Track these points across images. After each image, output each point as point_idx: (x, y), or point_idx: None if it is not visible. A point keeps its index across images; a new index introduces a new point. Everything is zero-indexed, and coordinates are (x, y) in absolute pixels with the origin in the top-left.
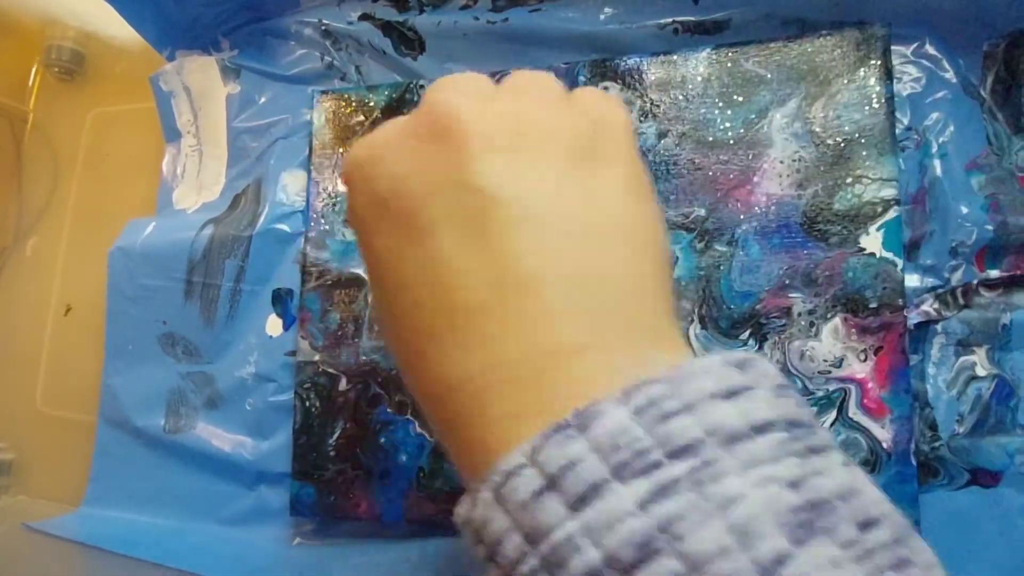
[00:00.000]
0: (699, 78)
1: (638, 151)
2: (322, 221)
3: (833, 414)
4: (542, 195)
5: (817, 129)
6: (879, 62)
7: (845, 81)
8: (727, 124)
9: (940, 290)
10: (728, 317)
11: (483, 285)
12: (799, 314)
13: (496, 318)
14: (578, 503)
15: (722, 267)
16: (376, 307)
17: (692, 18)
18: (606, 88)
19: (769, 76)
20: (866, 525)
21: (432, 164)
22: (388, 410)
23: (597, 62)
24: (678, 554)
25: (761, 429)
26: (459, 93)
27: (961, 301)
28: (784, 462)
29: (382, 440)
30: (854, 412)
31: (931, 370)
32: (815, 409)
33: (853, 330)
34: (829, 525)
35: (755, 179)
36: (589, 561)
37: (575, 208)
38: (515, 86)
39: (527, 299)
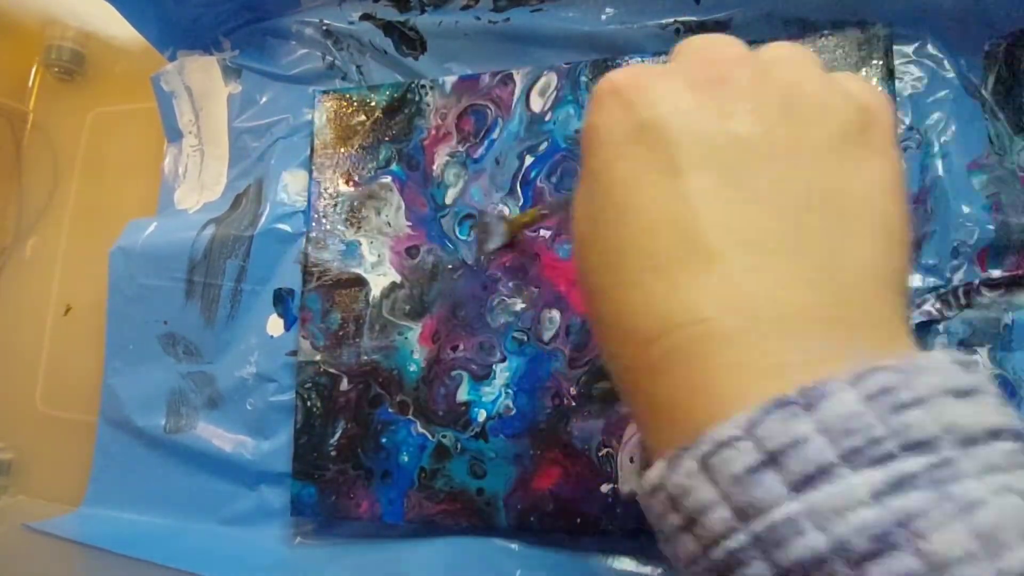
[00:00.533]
0: None
1: (899, 151)
2: (323, 221)
3: None
4: (807, 164)
5: None
6: (881, 62)
7: None
8: None
9: (942, 290)
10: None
11: (728, 234)
12: None
13: (734, 270)
14: (802, 484)
15: None
16: (584, 229)
17: (693, 18)
18: None
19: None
20: None
21: (703, 109)
22: (389, 410)
23: (598, 62)
24: (918, 552)
25: (995, 435)
26: (730, 47)
27: (963, 301)
28: (1018, 473)
29: (383, 440)
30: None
31: None
32: None
33: None
34: None
35: None
36: (814, 546)
37: (838, 186)
38: (781, 57)
39: (770, 260)
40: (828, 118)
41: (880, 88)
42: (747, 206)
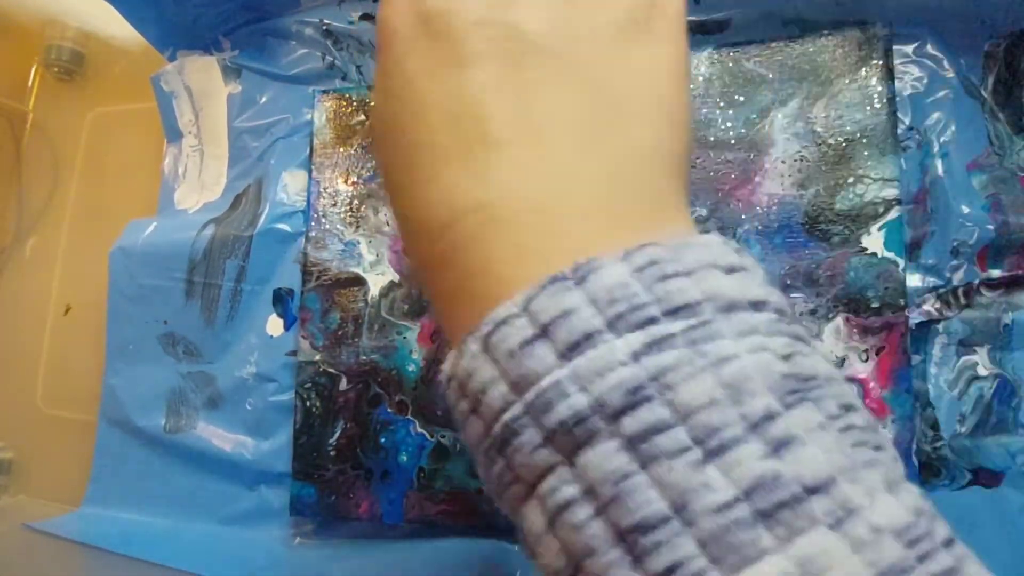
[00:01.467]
0: (700, 78)
1: (686, 36)
2: (323, 221)
3: None
4: (588, 52)
5: (819, 129)
6: (881, 62)
7: (847, 81)
8: (728, 124)
9: (942, 290)
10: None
11: (511, 123)
12: (801, 314)
13: (517, 157)
14: (568, 351)
15: None
16: (381, 128)
17: (693, 17)
18: None
19: (771, 76)
20: (847, 407)
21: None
22: (388, 410)
23: None
24: (667, 402)
25: (756, 306)
26: None
27: (963, 301)
28: (776, 338)
29: (382, 440)
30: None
31: (933, 370)
32: None
33: (855, 330)
34: (816, 397)
35: (757, 179)
36: (575, 405)
37: (618, 73)
38: None
39: (552, 147)
40: (612, 5)
41: None
42: (531, 96)
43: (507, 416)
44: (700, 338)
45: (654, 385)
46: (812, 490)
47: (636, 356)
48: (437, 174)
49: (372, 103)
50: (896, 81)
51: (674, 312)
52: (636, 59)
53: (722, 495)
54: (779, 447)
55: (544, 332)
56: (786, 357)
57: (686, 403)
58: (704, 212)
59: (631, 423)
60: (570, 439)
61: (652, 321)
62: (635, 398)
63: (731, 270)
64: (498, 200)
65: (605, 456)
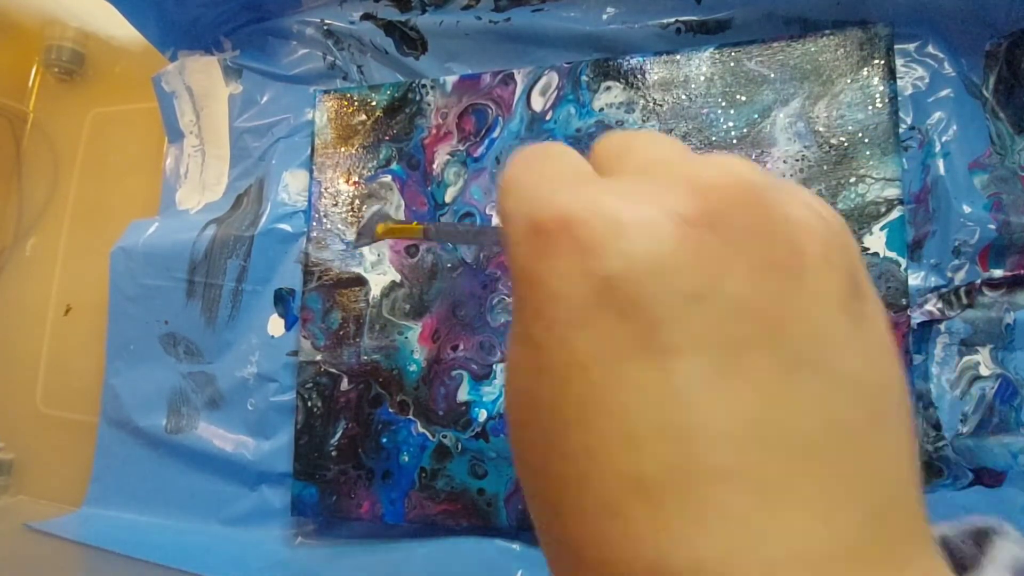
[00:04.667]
0: (702, 77)
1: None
2: (324, 221)
3: None
4: (825, 338)
5: (820, 128)
6: (882, 61)
7: (848, 81)
8: (730, 123)
9: (943, 289)
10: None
11: (740, 443)
12: None
13: (754, 494)
14: None
15: None
16: (529, 423)
17: (694, 17)
18: (608, 88)
19: (772, 76)
20: None
21: (694, 260)
22: (390, 410)
23: (599, 62)
24: None
25: None
26: (723, 166)
27: (964, 300)
28: None
29: (384, 440)
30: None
31: (935, 370)
32: None
33: None
34: None
35: None
36: None
37: (857, 362)
38: (780, 187)
39: (800, 475)
40: (829, 272)
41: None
42: (752, 399)
43: None
44: None
45: None
46: None
47: None
48: (623, 508)
49: (507, 366)
50: (898, 81)
51: None
52: (860, 339)
53: None
54: None
55: None
56: None
57: None
58: None
59: None
60: None
61: None
62: None
63: None
64: (734, 554)
65: None
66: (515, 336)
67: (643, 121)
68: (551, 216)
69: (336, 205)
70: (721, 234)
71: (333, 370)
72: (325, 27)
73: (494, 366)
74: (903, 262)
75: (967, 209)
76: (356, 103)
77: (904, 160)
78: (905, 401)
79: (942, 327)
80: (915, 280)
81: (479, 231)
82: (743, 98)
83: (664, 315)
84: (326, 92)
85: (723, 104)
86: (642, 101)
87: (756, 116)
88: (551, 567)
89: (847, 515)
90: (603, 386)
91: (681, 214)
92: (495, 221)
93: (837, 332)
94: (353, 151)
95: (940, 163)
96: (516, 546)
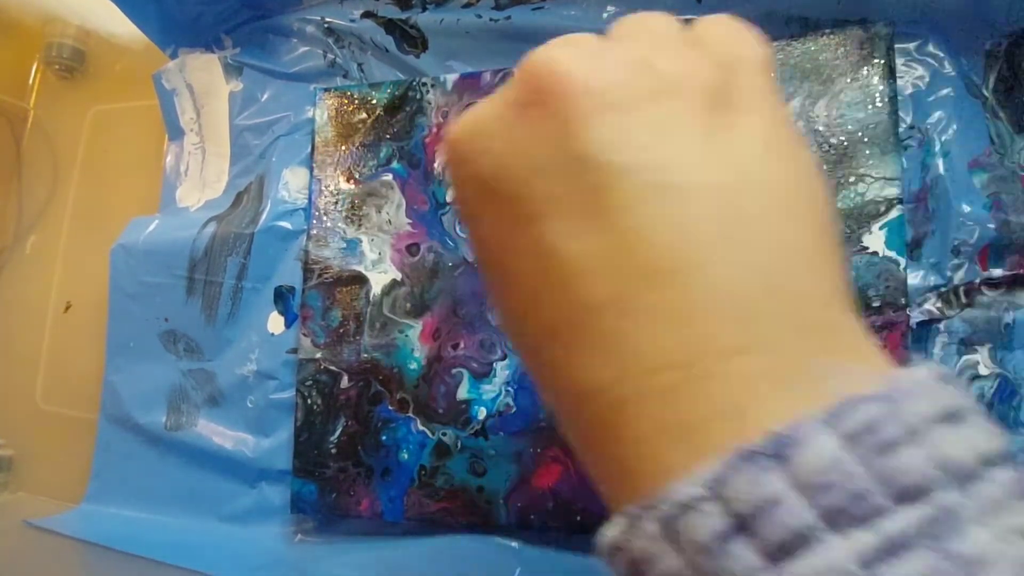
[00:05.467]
0: None
1: (776, 88)
2: (324, 218)
3: None
4: (669, 159)
5: (820, 128)
6: (882, 61)
7: (848, 80)
8: None
9: (943, 289)
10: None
11: (609, 276)
12: None
13: (627, 316)
14: (778, 554)
15: None
16: (492, 300)
17: (695, 16)
18: None
19: (772, 75)
20: None
21: (535, 135)
22: (389, 408)
23: None
24: None
25: (990, 463)
26: (559, 46)
27: (964, 300)
28: (1018, 507)
29: (383, 438)
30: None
31: None
32: None
33: None
34: None
35: None
36: None
37: (712, 173)
38: (626, 32)
39: (661, 289)
40: (683, 90)
41: (746, 27)
42: (618, 236)
43: None
44: (943, 533)
45: None
46: None
47: (868, 564)
48: (547, 351)
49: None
50: (897, 80)
51: (906, 497)
52: (728, 147)
53: None
54: None
55: (743, 525)
56: None
57: None
58: None
59: None
60: None
61: (881, 513)
62: None
63: (954, 417)
64: (625, 375)
65: None
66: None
67: None
68: (446, 146)
69: (336, 203)
70: (538, 108)
71: (333, 368)
72: (326, 25)
73: (494, 364)
74: (902, 261)
75: (967, 208)
76: (356, 101)
77: (904, 159)
78: (800, 195)
79: (941, 326)
80: (914, 279)
81: None
82: None
83: (519, 192)
84: (326, 90)
85: None
86: None
87: None
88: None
89: (711, 319)
90: (507, 260)
91: (504, 101)
92: None
93: (687, 151)
94: (353, 149)
95: (940, 162)
96: (515, 544)
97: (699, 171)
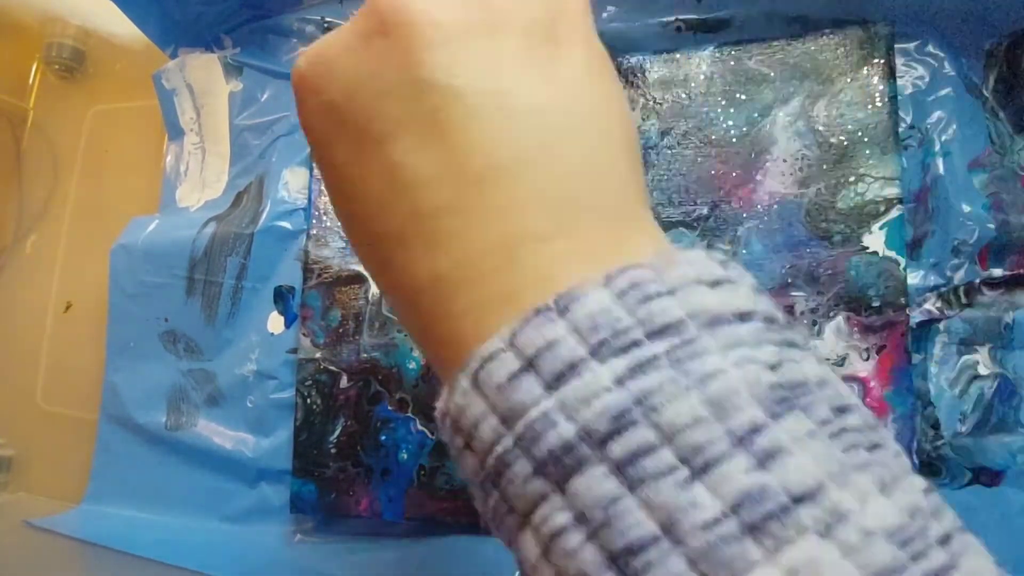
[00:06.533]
0: (702, 76)
1: (595, 31)
2: (324, 218)
3: None
4: (498, 83)
5: (820, 127)
6: (882, 60)
7: (848, 79)
8: (730, 122)
9: (943, 289)
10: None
11: (446, 185)
12: (802, 313)
13: (460, 215)
14: (554, 382)
15: None
16: (339, 217)
17: (695, 16)
18: None
19: (772, 74)
20: (841, 410)
21: (381, 62)
22: (389, 408)
23: None
24: (652, 424)
25: (742, 317)
26: None
27: (964, 300)
28: (764, 348)
29: (383, 438)
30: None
31: (934, 369)
32: None
33: (856, 329)
34: (805, 404)
35: (758, 177)
36: (563, 434)
37: (535, 94)
38: None
39: (489, 192)
40: (511, 23)
41: None
42: (453, 150)
43: (499, 449)
44: (684, 357)
45: (639, 409)
46: (799, 499)
47: (620, 381)
48: (392, 255)
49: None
50: (897, 80)
51: (658, 333)
52: (548, 72)
53: (710, 512)
54: (765, 459)
55: (530, 365)
56: (774, 367)
57: (671, 423)
58: (705, 211)
59: (618, 448)
60: (560, 468)
61: (636, 344)
62: (621, 423)
63: (716, 283)
64: (455, 264)
65: (594, 482)
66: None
67: (643, 120)
68: (295, 77)
69: None
70: (382, 38)
71: (332, 367)
72: (326, 25)
73: None
74: (902, 261)
75: (966, 208)
76: None
77: (904, 159)
78: (609, 119)
79: (941, 326)
80: (914, 279)
81: None
82: (743, 97)
83: (366, 115)
84: None
85: (723, 103)
86: (642, 100)
87: (756, 115)
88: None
89: (528, 213)
90: (356, 179)
91: (355, 32)
92: None
93: (515, 76)
94: None
95: (940, 162)
96: None
97: (522, 93)
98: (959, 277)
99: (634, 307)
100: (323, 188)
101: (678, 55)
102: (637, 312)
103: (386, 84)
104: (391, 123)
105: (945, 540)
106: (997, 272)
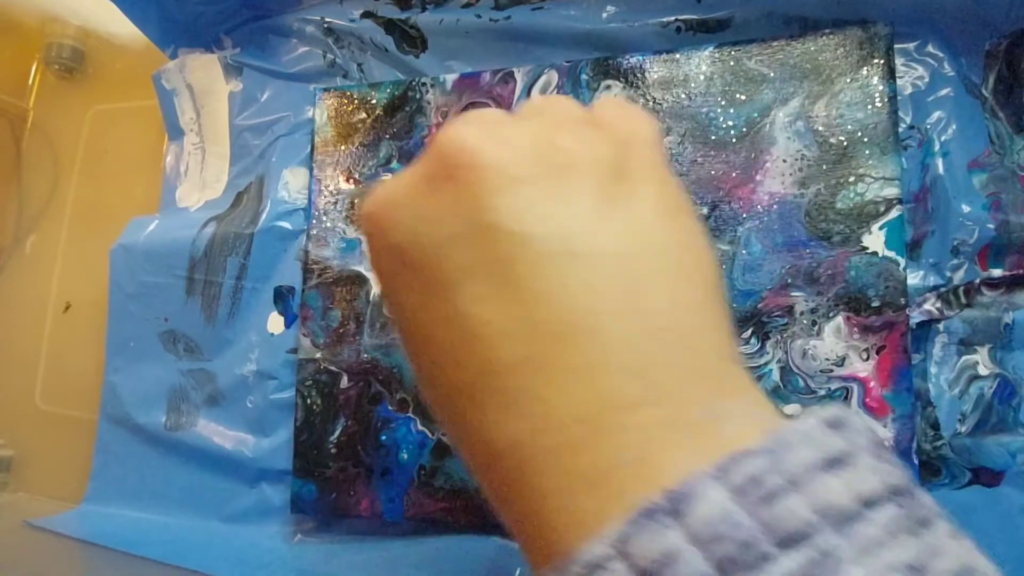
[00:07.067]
0: (702, 76)
1: (670, 166)
2: (324, 218)
3: None
4: (571, 228)
5: (820, 128)
6: (882, 61)
7: (848, 80)
8: (729, 123)
9: (942, 289)
10: (730, 316)
11: (519, 338)
12: (801, 313)
13: (537, 374)
14: None
15: (724, 266)
16: (410, 362)
17: (694, 16)
18: (608, 87)
19: (772, 75)
20: None
21: (447, 207)
22: (389, 408)
23: (599, 60)
24: None
25: (871, 504)
26: (468, 123)
27: (963, 300)
28: (900, 542)
29: (383, 438)
30: (856, 411)
31: (933, 369)
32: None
33: (855, 329)
34: None
35: (757, 178)
36: None
37: (611, 240)
38: (529, 111)
39: (567, 348)
40: (582, 164)
41: (637, 108)
42: (525, 301)
43: None
44: (822, 574)
45: None
46: None
47: None
48: (464, 412)
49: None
50: (897, 80)
51: (788, 542)
52: (623, 216)
53: None
54: None
55: None
56: (916, 569)
57: None
58: (704, 211)
59: None
60: None
61: (766, 558)
62: None
63: (836, 463)
64: (536, 431)
65: None
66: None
67: None
68: (362, 218)
69: (336, 203)
70: (449, 181)
71: (333, 368)
72: (325, 25)
73: None
74: (902, 261)
75: (966, 208)
76: (356, 101)
77: (903, 159)
78: (690, 258)
79: (941, 327)
80: (914, 279)
81: None
82: (743, 97)
83: (432, 262)
84: (326, 90)
85: (723, 103)
86: (642, 100)
87: (756, 115)
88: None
89: (614, 374)
90: (424, 326)
91: (420, 176)
92: None
93: (586, 220)
94: (353, 149)
95: (939, 162)
96: (515, 544)
97: (597, 238)
98: (959, 277)
99: (756, 508)
100: (323, 188)
101: (678, 55)
102: (761, 514)
103: (453, 229)
104: (459, 270)
105: None
106: (996, 272)
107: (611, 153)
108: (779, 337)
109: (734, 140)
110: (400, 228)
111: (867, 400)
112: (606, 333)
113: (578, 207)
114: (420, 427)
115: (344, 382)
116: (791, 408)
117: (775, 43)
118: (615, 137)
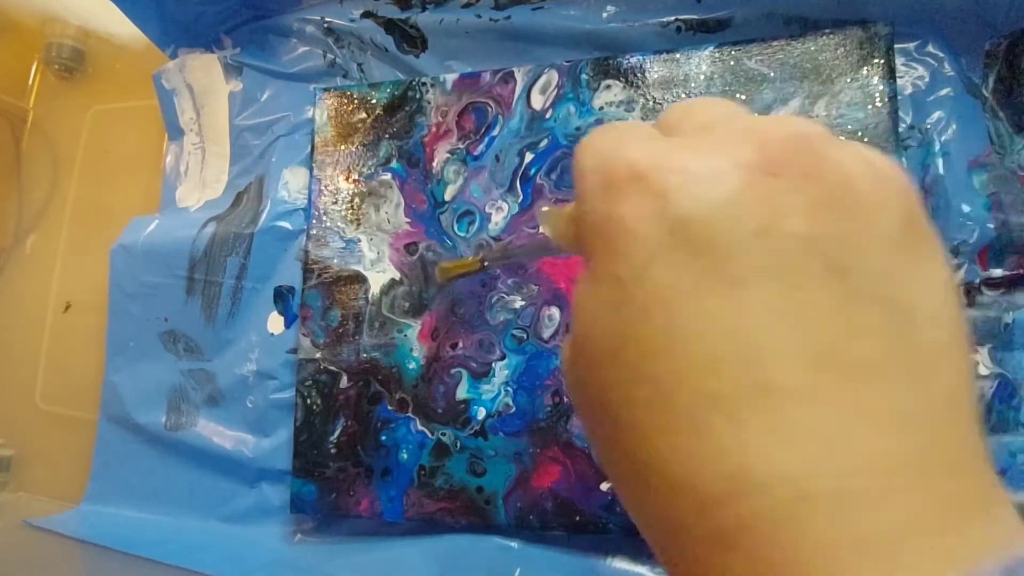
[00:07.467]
0: (702, 76)
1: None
2: (324, 218)
3: None
4: (882, 272)
5: None
6: (882, 61)
7: (848, 80)
8: None
9: None
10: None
11: (802, 361)
12: None
13: (819, 408)
14: None
15: None
16: (606, 356)
17: (694, 16)
18: (608, 87)
19: (772, 75)
20: None
21: (757, 202)
22: (389, 408)
23: (599, 60)
24: None
25: None
26: (780, 124)
27: (963, 300)
28: None
29: (383, 438)
30: None
31: None
32: None
33: None
34: None
35: None
36: None
37: (908, 296)
38: (828, 139)
39: (857, 392)
40: (882, 212)
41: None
42: (817, 324)
43: None
44: None
45: None
46: None
47: None
48: (711, 426)
49: (575, 309)
50: (897, 80)
51: None
52: (915, 276)
53: None
54: None
55: None
56: None
57: None
58: None
59: None
60: None
61: None
62: None
63: None
64: (803, 474)
65: None
66: (592, 278)
67: (642, 120)
68: (625, 167)
69: (336, 203)
70: (781, 179)
71: (332, 368)
72: (325, 25)
73: (493, 364)
74: None
75: (966, 208)
76: (356, 101)
77: (904, 159)
78: (960, 334)
79: None
80: None
81: (529, 245)
82: (743, 97)
83: (732, 250)
84: (326, 90)
85: None
86: (642, 100)
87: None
88: (632, 506)
89: (909, 430)
90: (683, 316)
91: (745, 162)
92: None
93: (893, 266)
94: (353, 149)
95: (939, 162)
96: (514, 544)
97: (896, 289)
98: (959, 277)
99: None
100: (323, 188)
101: (678, 55)
102: None
103: (765, 226)
104: (753, 267)
105: None
106: (997, 272)
107: (908, 206)
108: None
109: None
110: (697, 200)
111: None
112: (907, 383)
113: (885, 251)
114: (420, 427)
115: (344, 382)
116: None
117: (775, 43)
118: (899, 188)
